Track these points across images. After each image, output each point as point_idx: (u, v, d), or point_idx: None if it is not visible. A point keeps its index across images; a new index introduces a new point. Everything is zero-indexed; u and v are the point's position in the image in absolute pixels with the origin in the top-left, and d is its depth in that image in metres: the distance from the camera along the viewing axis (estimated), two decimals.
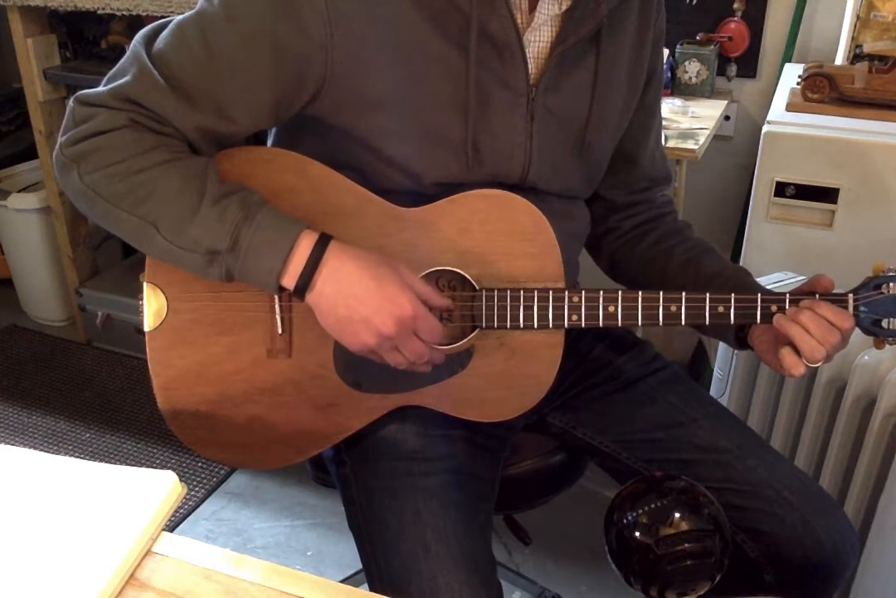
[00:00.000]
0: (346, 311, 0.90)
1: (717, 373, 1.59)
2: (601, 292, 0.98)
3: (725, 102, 2.04)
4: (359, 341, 0.91)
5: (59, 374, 2.44)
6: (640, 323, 0.99)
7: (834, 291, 0.98)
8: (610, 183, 1.14)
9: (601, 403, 1.15)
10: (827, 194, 1.59)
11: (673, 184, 1.80)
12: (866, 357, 1.35)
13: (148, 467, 1.29)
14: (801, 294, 0.98)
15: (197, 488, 2.02)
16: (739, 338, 1.07)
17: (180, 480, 0.77)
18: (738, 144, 2.15)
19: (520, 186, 1.02)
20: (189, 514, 1.95)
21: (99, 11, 2.03)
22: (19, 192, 2.53)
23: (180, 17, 0.91)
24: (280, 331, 0.99)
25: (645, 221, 1.19)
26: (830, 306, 0.95)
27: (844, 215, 1.59)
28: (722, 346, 1.58)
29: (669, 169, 1.23)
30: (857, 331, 0.99)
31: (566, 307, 0.98)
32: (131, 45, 0.91)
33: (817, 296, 0.97)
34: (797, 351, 0.95)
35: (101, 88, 0.91)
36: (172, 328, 0.99)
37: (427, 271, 0.98)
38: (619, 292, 0.98)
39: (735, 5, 1.99)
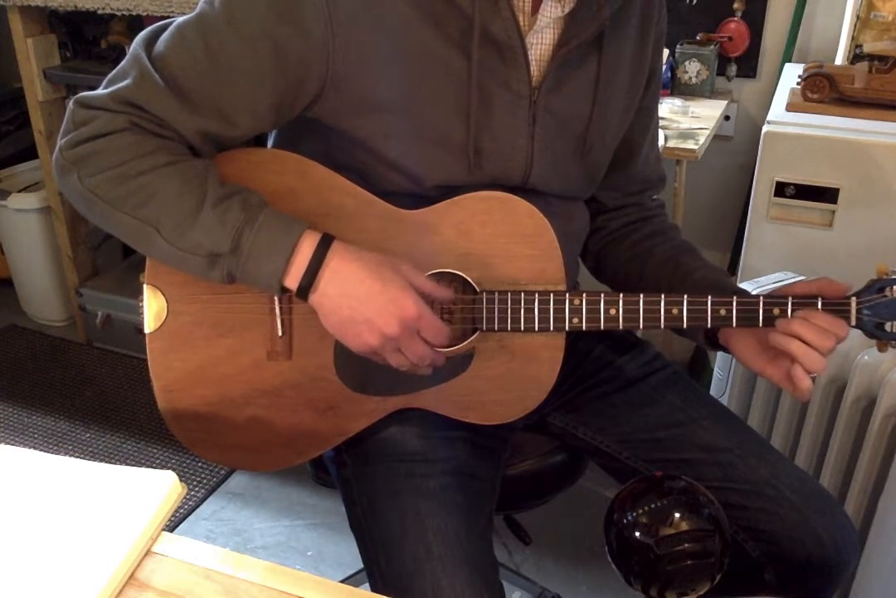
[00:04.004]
0: (349, 312, 0.90)
1: (717, 373, 1.59)
2: (602, 295, 0.98)
3: (725, 102, 2.04)
4: (362, 341, 0.91)
5: (59, 374, 2.44)
6: (641, 326, 0.98)
7: None
8: (602, 184, 1.14)
9: (602, 403, 1.15)
10: (827, 194, 1.59)
11: (672, 184, 1.81)
12: (866, 357, 1.35)
13: (148, 467, 1.29)
14: (804, 297, 0.97)
15: (197, 489, 2.02)
16: (708, 337, 1.06)
17: (180, 480, 0.77)
18: (738, 144, 2.15)
19: (521, 187, 1.02)
20: (189, 514, 1.95)
21: (99, 11, 2.03)
22: (19, 192, 2.53)
23: (181, 19, 0.91)
24: (280, 333, 0.99)
25: (632, 222, 1.19)
26: (825, 315, 0.94)
27: (844, 215, 1.60)
28: None
29: (664, 171, 1.23)
30: (858, 331, 0.99)
31: (567, 310, 0.98)
32: (131, 48, 0.91)
33: (819, 300, 0.96)
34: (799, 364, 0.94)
35: (101, 91, 0.90)
36: (173, 330, 0.99)
37: (428, 274, 0.98)
38: (621, 295, 0.98)
39: (735, 5, 1.99)
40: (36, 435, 2.18)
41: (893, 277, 0.96)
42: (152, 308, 0.99)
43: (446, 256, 0.98)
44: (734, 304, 0.97)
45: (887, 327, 0.97)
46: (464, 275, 0.99)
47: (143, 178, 0.88)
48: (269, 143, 1.10)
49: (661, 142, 1.61)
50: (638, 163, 1.17)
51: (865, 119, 1.60)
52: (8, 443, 1.40)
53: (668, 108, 1.94)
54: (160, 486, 0.76)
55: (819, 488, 1.06)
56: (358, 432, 1.04)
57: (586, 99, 1.02)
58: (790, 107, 1.67)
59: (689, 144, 1.73)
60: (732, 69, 2.07)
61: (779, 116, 1.64)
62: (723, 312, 0.97)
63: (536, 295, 0.98)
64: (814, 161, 1.57)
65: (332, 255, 0.89)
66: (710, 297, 0.97)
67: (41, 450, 0.83)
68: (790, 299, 0.96)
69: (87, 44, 2.40)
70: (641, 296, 0.98)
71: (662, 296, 0.98)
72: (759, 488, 1.03)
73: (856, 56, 1.81)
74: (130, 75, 0.89)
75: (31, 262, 2.60)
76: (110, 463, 0.96)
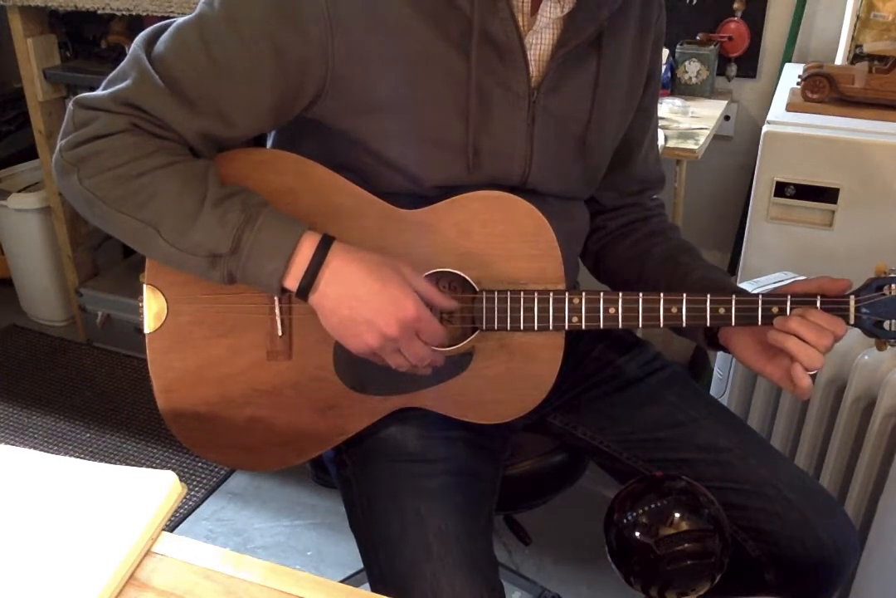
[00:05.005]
0: (348, 312, 0.90)
1: (717, 373, 1.59)
2: (601, 294, 0.98)
3: (725, 102, 2.04)
4: (361, 342, 0.91)
5: (59, 374, 2.44)
6: (640, 325, 0.98)
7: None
8: (602, 184, 1.14)
9: (601, 403, 1.15)
10: (827, 194, 1.59)
11: (672, 184, 1.81)
12: (866, 357, 1.35)
13: (148, 467, 1.29)
14: (804, 295, 0.97)
15: (197, 489, 2.02)
16: (708, 337, 1.06)
17: (180, 480, 0.78)
18: (738, 144, 2.15)
19: (520, 187, 1.02)
20: (189, 514, 1.95)
21: (99, 11, 2.04)
22: (19, 192, 2.53)
23: (180, 19, 0.91)
24: (280, 333, 0.99)
25: (631, 222, 1.19)
26: (823, 313, 0.94)
27: (844, 215, 1.60)
28: None
29: (663, 171, 1.23)
30: (858, 331, 0.99)
31: (566, 309, 0.98)
32: (131, 48, 0.91)
33: (818, 298, 0.96)
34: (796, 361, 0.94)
35: (101, 92, 0.90)
36: (172, 330, 0.99)
37: (427, 273, 0.98)
38: (620, 294, 0.98)
39: (735, 5, 1.99)
40: (36, 435, 2.18)
41: (892, 275, 0.96)
42: (152, 308, 0.99)
43: (446, 256, 0.98)
44: (733, 302, 0.97)
45: (886, 325, 0.96)
46: (463, 274, 0.99)
47: (144, 178, 0.88)
48: (269, 143, 1.10)
49: (661, 142, 1.61)
50: (637, 163, 1.17)
51: (865, 119, 1.60)
52: (8, 443, 1.40)
53: (668, 108, 1.94)
54: (160, 486, 0.76)
55: (819, 488, 1.06)
56: (358, 432, 1.04)
57: (585, 99, 1.02)
58: (790, 107, 1.67)
59: (689, 144, 1.73)
60: (732, 69, 2.07)
61: (779, 116, 1.64)
62: (722, 310, 0.97)
63: (536, 294, 0.98)
64: (814, 161, 1.57)
65: (332, 255, 0.89)
66: (708, 295, 0.97)
67: (41, 450, 0.83)
68: (789, 297, 0.97)
69: (87, 44, 2.40)
70: (640, 295, 0.98)
71: (661, 295, 0.98)
72: (759, 488, 1.03)
73: (856, 56, 1.81)
74: (130, 76, 0.89)
75: (31, 262, 2.60)
76: (110, 463, 0.96)
